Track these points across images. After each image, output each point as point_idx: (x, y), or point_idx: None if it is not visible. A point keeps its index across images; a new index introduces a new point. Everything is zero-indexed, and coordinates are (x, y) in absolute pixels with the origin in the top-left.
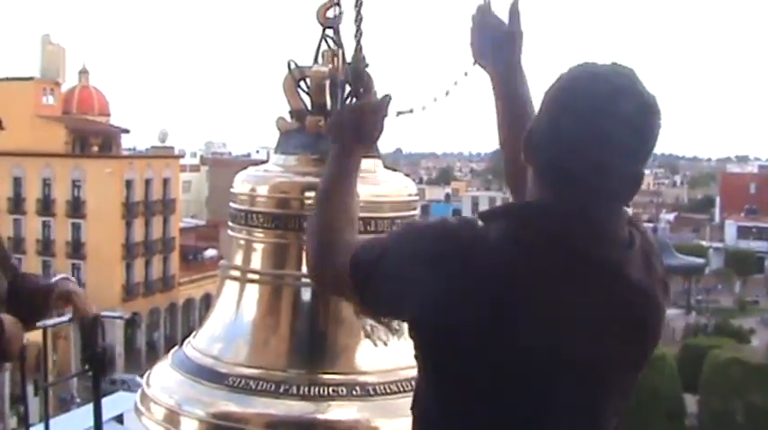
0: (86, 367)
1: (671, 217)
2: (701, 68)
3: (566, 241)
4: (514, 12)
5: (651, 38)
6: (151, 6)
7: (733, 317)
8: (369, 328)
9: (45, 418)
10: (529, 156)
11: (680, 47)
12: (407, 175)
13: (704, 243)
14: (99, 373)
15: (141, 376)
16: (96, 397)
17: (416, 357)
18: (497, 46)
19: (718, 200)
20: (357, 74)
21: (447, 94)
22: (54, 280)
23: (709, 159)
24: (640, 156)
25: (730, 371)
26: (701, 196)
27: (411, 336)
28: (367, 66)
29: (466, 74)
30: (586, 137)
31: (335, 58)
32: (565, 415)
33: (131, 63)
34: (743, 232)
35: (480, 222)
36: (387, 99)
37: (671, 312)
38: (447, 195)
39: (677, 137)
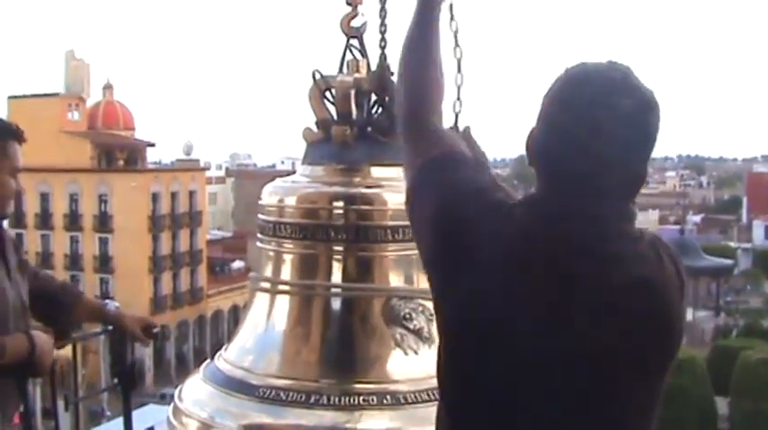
0: (116, 381)
1: (698, 218)
2: (727, 69)
3: (561, 231)
4: None
5: (678, 39)
6: (175, 19)
7: (763, 317)
8: (398, 337)
9: None
10: (532, 159)
11: (707, 48)
12: None
13: (732, 244)
14: (128, 387)
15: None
16: (126, 410)
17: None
18: None
19: (745, 200)
20: (383, 82)
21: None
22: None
23: (735, 159)
24: (639, 152)
25: (761, 372)
26: (728, 197)
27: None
28: (392, 74)
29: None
30: (582, 132)
31: (360, 68)
32: (558, 403)
33: (155, 77)
34: None
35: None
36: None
37: (700, 314)
38: None
39: (703, 137)
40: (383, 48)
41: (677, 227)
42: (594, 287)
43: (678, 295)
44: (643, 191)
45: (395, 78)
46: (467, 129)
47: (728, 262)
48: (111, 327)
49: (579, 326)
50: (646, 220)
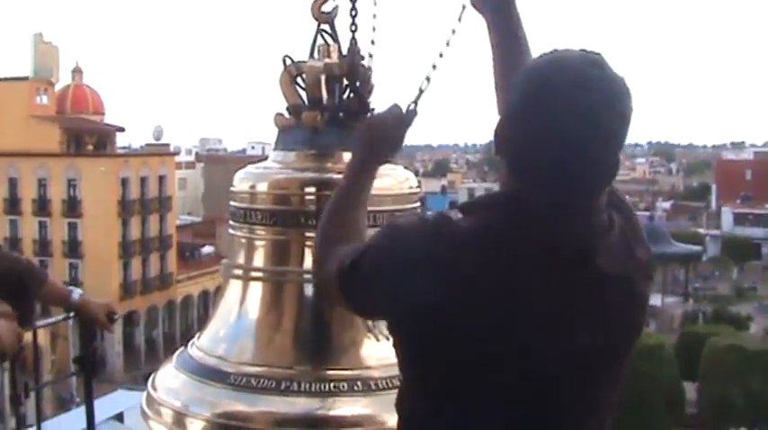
0: (77, 367)
1: (667, 205)
2: (696, 55)
3: (534, 231)
4: None
5: (647, 26)
6: (144, 3)
7: (731, 304)
8: (371, 323)
9: (37, 420)
10: (500, 148)
11: (675, 35)
12: (404, 168)
13: (701, 230)
14: (89, 373)
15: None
16: (88, 396)
17: (398, 356)
18: None
19: (714, 187)
20: (353, 67)
21: (448, 44)
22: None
23: (704, 146)
24: (617, 142)
25: (729, 358)
26: (697, 184)
27: (393, 336)
28: (363, 59)
29: (464, 7)
30: (554, 123)
31: (331, 53)
32: (548, 405)
33: (125, 61)
34: (739, 219)
35: (459, 214)
36: (413, 113)
37: (669, 300)
38: (443, 187)
39: (672, 124)
40: (354, 32)
41: (647, 213)
42: (568, 284)
43: (646, 281)
44: None
45: (366, 62)
46: (413, 109)
47: (697, 248)
48: (73, 314)
49: (555, 323)
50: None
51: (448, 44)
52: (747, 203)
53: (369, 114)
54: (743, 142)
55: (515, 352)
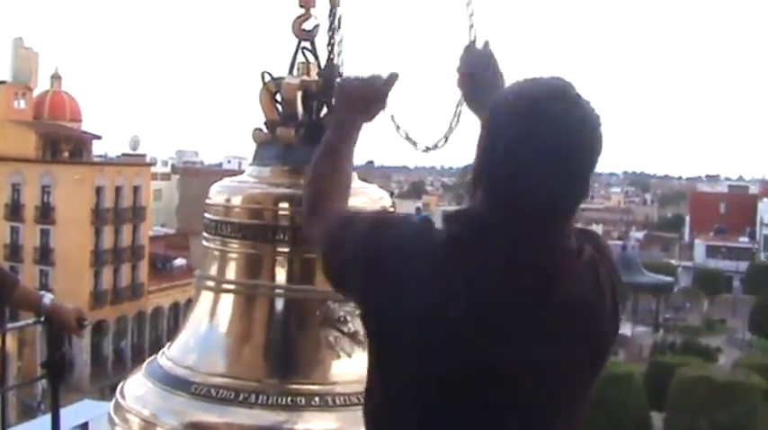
0: (44, 372)
1: (641, 235)
2: (673, 88)
3: (497, 250)
4: (489, 55)
5: (625, 57)
6: (125, 13)
7: (700, 335)
8: (332, 339)
9: (2, 425)
10: (479, 180)
11: (654, 67)
12: (379, 188)
13: (673, 261)
14: (57, 378)
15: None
16: (54, 401)
17: (369, 359)
18: (483, 90)
19: (687, 218)
20: (329, 85)
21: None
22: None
23: (679, 178)
24: (588, 170)
25: (696, 389)
26: (671, 215)
27: (363, 323)
28: (341, 75)
29: (457, 114)
30: (521, 156)
31: (311, 71)
32: (500, 418)
33: (104, 69)
34: (712, 251)
35: (444, 224)
36: (394, 76)
37: (639, 330)
38: (418, 209)
39: (648, 155)
40: (330, 50)
41: (620, 242)
42: (530, 301)
43: (613, 311)
44: (588, 206)
45: (343, 75)
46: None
47: (669, 279)
48: (43, 318)
49: (513, 338)
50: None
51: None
52: (720, 236)
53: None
54: (718, 175)
55: (473, 365)
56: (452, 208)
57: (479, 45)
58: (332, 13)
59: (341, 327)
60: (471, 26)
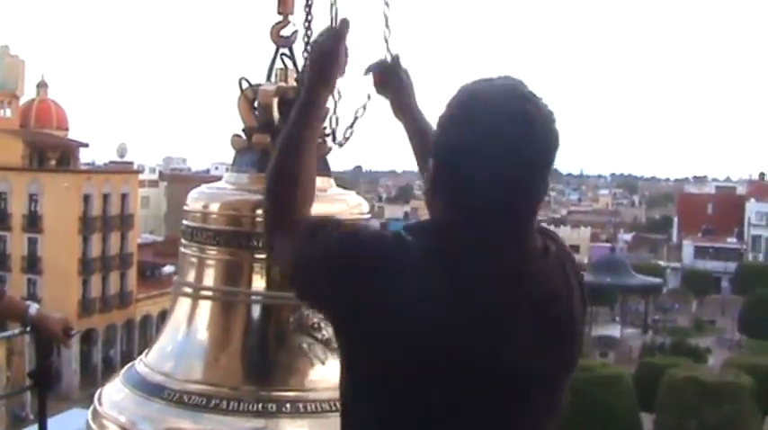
0: (31, 382)
1: (629, 237)
2: (660, 89)
3: (463, 259)
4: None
5: (612, 60)
6: (112, 20)
7: (689, 336)
8: (306, 346)
9: None
10: (436, 187)
11: (641, 69)
12: (367, 193)
13: (662, 263)
14: (44, 387)
15: None
16: (42, 411)
17: (341, 371)
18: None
19: (675, 220)
20: None
21: (369, 97)
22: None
23: (667, 179)
24: (537, 171)
25: (686, 390)
26: (659, 216)
27: (336, 334)
28: None
29: (369, 96)
30: (480, 156)
31: (288, 77)
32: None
33: (91, 77)
34: (700, 252)
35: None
36: (346, 23)
37: (628, 331)
38: (406, 214)
39: (636, 157)
40: (306, 58)
41: (608, 244)
42: (500, 306)
43: (582, 309)
44: (576, 208)
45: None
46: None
47: (657, 280)
48: (30, 328)
49: (486, 344)
50: (578, 237)
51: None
52: (708, 237)
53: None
54: (705, 176)
55: (444, 371)
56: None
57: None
58: (307, 20)
59: (314, 334)
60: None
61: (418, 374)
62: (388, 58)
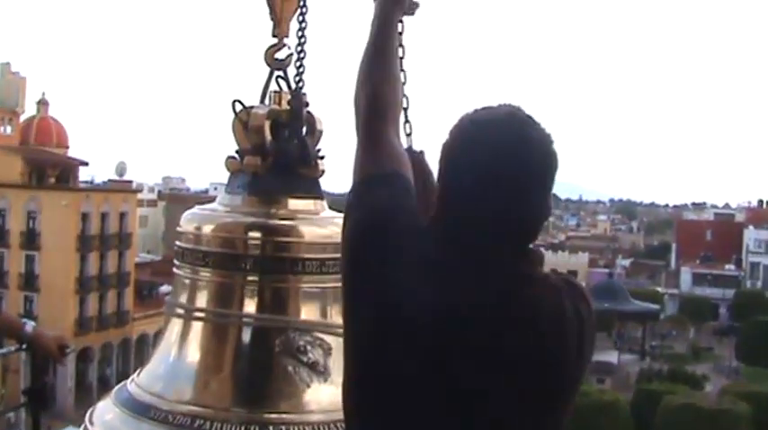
0: (25, 400)
1: (627, 262)
2: (660, 116)
3: (466, 279)
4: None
5: (612, 85)
6: (113, 39)
7: (687, 363)
8: (292, 369)
9: None
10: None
11: (640, 95)
12: None
13: (660, 289)
14: (38, 406)
15: None
16: (35, 429)
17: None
18: None
19: (674, 246)
20: (296, 114)
21: None
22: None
23: (666, 206)
24: (539, 188)
25: (683, 417)
26: (658, 242)
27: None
28: (308, 105)
29: None
30: (476, 181)
31: (282, 100)
32: None
33: (91, 95)
34: (698, 279)
35: None
36: None
37: (625, 357)
38: None
39: (635, 183)
40: (298, 81)
41: (606, 270)
42: (488, 330)
43: (575, 352)
44: (575, 233)
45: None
46: (421, 154)
47: (655, 307)
48: (25, 346)
49: (466, 360)
50: (577, 263)
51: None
52: (707, 264)
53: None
54: (704, 203)
55: (431, 378)
56: None
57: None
58: (300, 44)
59: (300, 357)
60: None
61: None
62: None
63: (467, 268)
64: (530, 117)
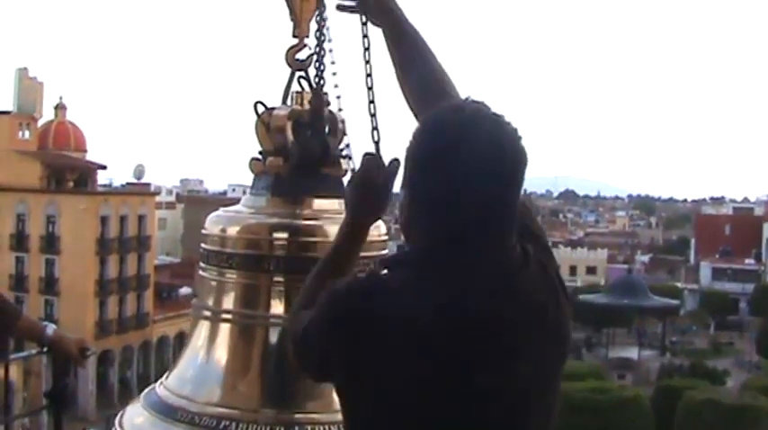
0: (47, 402)
1: (646, 258)
2: (678, 111)
3: (444, 283)
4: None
5: (629, 82)
6: (130, 42)
7: (707, 358)
8: None
9: None
10: (414, 220)
11: (658, 91)
12: (383, 216)
13: (679, 284)
14: (59, 408)
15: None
16: None
17: (344, 418)
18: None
19: (693, 241)
20: (317, 114)
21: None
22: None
23: (684, 200)
24: (511, 181)
25: (704, 413)
26: (677, 237)
27: (337, 393)
28: (328, 104)
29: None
30: (454, 176)
31: (304, 100)
32: None
33: (109, 98)
34: (717, 274)
35: (384, 271)
36: (395, 165)
37: (645, 353)
38: None
39: (653, 178)
40: (318, 81)
41: (625, 266)
42: (501, 319)
43: (567, 307)
44: (593, 230)
45: (333, 108)
46: (395, 162)
47: (675, 302)
48: (46, 349)
49: (492, 367)
50: (595, 259)
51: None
52: (726, 258)
53: (348, 169)
54: (722, 197)
55: (444, 393)
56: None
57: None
58: (319, 43)
59: None
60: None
61: (417, 413)
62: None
63: (459, 275)
64: (495, 113)
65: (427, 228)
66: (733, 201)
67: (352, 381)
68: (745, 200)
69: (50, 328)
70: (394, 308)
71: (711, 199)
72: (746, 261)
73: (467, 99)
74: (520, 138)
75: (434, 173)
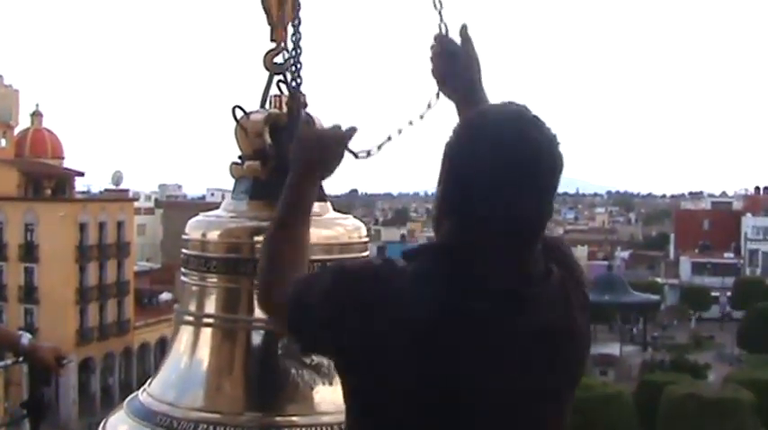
0: (24, 412)
1: (626, 254)
2: (655, 107)
3: (461, 278)
4: (466, 38)
5: (607, 78)
6: (106, 48)
7: (689, 352)
8: (294, 372)
9: None
10: (449, 210)
11: (634, 86)
12: (363, 216)
13: (659, 280)
14: (37, 418)
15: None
16: None
17: (345, 398)
18: (457, 73)
19: (672, 236)
20: (292, 116)
21: (411, 123)
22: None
23: (663, 196)
24: (544, 187)
25: (687, 407)
26: (656, 233)
27: (342, 379)
28: (306, 106)
29: (430, 105)
30: (488, 177)
31: (282, 104)
32: None
33: (85, 105)
34: (697, 268)
35: (404, 261)
36: (352, 130)
37: (627, 349)
38: (403, 236)
39: (631, 174)
40: (293, 81)
41: (605, 262)
42: (503, 327)
43: (583, 328)
44: (573, 227)
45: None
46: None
47: (655, 298)
48: (22, 358)
49: (490, 365)
50: (575, 256)
51: (422, 117)
52: (705, 253)
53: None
54: (701, 192)
55: (437, 392)
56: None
57: (456, 29)
58: (296, 46)
59: (303, 360)
60: (441, 18)
61: (415, 403)
62: (443, 30)
63: (477, 275)
64: (536, 117)
65: (452, 224)
66: (711, 195)
67: (351, 363)
68: (724, 194)
69: (26, 338)
70: (400, 297)
71: (690, 194)
72: (726, 255)
73: (508, 102)
74: (558, 143)
75: (466, 170)
